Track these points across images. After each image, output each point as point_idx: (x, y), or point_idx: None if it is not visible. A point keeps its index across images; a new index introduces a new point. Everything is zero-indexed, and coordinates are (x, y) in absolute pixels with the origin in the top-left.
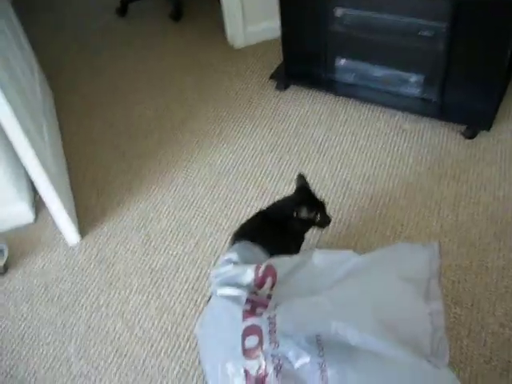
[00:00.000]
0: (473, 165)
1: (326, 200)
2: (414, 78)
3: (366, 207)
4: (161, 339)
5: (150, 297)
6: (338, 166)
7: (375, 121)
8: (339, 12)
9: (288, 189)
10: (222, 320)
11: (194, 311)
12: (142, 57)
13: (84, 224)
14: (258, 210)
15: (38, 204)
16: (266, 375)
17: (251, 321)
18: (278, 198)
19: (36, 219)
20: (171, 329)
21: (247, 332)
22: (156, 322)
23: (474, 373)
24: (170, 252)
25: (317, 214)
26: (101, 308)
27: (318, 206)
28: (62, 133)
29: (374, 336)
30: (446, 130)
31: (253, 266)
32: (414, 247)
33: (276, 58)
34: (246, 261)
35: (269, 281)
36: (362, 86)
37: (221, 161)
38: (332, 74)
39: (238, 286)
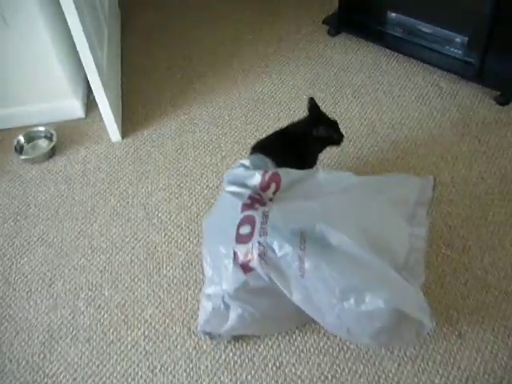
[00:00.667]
0: (497, 129)
1: (350, 138)
2: (458, 38)
3: (386, 150)
4: (174, 231)
5: (172, 195)
6: (368, 110)
7: (414, 75)
8: None
9: None
10: (225, 211)
11: (207, 212)
12: None
13: (127, 127)
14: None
15: (90, 104)
16: (251, 260)
17: (248, 212)
18: None
19: (86, 117)
20: (185, 224)
21: (243, 222)
22: (173, 216)
23: (449, 305)
24: (198, 161)
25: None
26: (127, 198)
27: (333, 124)
28: (122, 48)
29: (353, 239)
30: (480, 93)
31: (261, 171)
32: (409, 177)
33: (332, 6)
34: (256, 167)
35: (273, 186)
36: (408, 40)
37: (261, 90)
38: (382, 25)
39: (244, 185)
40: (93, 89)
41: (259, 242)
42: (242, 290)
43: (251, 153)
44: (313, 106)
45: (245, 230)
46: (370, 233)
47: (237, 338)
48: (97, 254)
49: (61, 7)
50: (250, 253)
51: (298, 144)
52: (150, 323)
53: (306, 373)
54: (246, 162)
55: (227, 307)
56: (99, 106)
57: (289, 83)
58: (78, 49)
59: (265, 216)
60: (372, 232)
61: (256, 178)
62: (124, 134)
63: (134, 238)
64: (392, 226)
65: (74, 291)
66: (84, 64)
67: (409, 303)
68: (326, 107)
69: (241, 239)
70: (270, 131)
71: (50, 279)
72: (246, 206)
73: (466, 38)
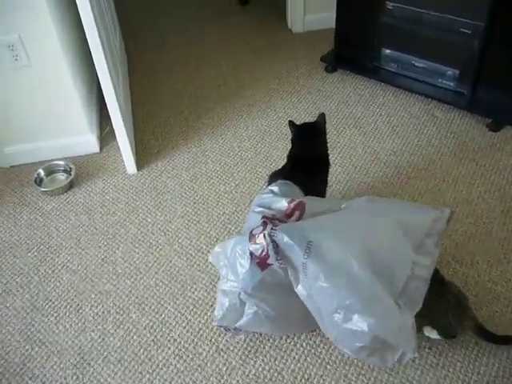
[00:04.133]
0: (492, 153)
1: (356, 165)
2: (450, 71)
3: (390, 175)
4: (195, 255)
5: (190, 222)
6: (370, 139)
7: (410, 106)
8: (391, 5)
9: None
10: (247, 225)
11: (227, 237)
12: (208, 32)
13: (142, 159)
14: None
15: (103, 139)
16: (267, 257)
17: (263, 224)
18: None
19: (100, 151)
20: (205, 248)
21: (257, 226)
22: (193, 241)
23: None
24: (213, 189)
25: None
26: (147, 225)
27: None
28: (131, 87)
29: (355, 259)
30: (473, 120)
31: (288, 199)
32: (425, 207)
33: (328, 45)
34: (284, 195)
35: (297, 214)
36: (402, 74)
37: (267, 123)
38: (377, 61)
39: (270, 209)
40: (113, 124)
41: (269, 234)
42: (258, 288)
43: (270, 180)
44: (322, 122)
45: (256, 230)
46: (373, 254)
47: (264, 354)
48: (122, 279)
49: (81, 48)
50: (265, 250)
51: (310, 168)
52: (180, 342)
53: (333, 383)
54: (275, 189)
55: (243, 304)
56: (118, 139)
57: (292, 116)
58: (102, 88)
59: (275, 225)
60: (376, 254)
61: (282, 204)
62: (139, 165)
63: (156, 262)
64: (397, 250)
65: (101, 315)
66: (107, 101)
67: (393, 333)
68: (330, 137)
69: (252, 238)
70: (280, 161)
71: (78, 304)
72: (265, 218)
73: (457, 71)
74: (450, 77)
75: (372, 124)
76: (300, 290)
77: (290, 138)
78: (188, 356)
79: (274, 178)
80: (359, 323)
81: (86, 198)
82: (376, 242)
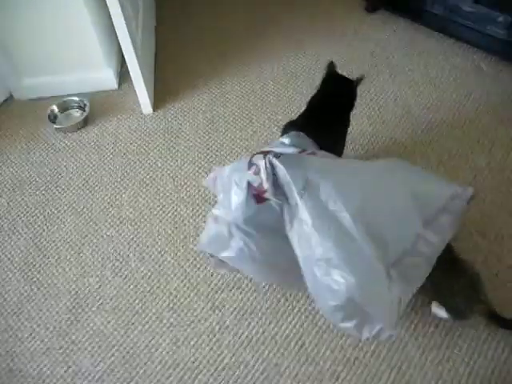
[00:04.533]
0: None
1: (384, 119)
2: (501, 18)
3: (420, 132)
4: (202, 205)
5: (201, 169)
6: (404, 90)
7: (453, 55)
8: None
9: None
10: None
11: None
12: None
13: (159, 99)
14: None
15: (123, 75)
16: (264, 191)
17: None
18: None
19: (119, 88)
20: (213, 199)
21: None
22: (202, 191)
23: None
24: (228, 135)
25: None
26: (157, 170)
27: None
28: (157, 27)
29: (351, 214)
30: None
31: (298, 149)
32: (446, 182)
33: None
34: (295, 146)
35: None
36: (448, 19)
37: (294, 65)
38: (421, 3)
39: None
40: (126, 59)
41: (270, 162)
42: (249, 222)
43: (284, 130)
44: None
45: (256, 159)
46: (371, 215)
47: (260, 316)
48: (125, 225)
49: None
50: (263, 182)
51: (339, 117)
52: (175, 296)
53: (328, 353)
54: (286, 141)
55: (231, 236)
56: (132, 76)
57: (323, 59)
58: (112, 18)
59: (277, 155)
60: (374, 215)
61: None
62: (155, 106)
63: (162, 210)
64: (400, 218)
65: (101, 261)
66: (118, 33)
67: (374, 302)
68: (361, 85)
69: (251, 167)
70: (303, 108)
71: (79, 248)
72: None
73: (510, 18)
74: (501, 24)
75: (408, 73)
76: (292, 234)
77: (317, 82)
78: (182, 311)
79: (289, 128)
80: (337, 278)
81: (98, 137)
82: (379, 203)
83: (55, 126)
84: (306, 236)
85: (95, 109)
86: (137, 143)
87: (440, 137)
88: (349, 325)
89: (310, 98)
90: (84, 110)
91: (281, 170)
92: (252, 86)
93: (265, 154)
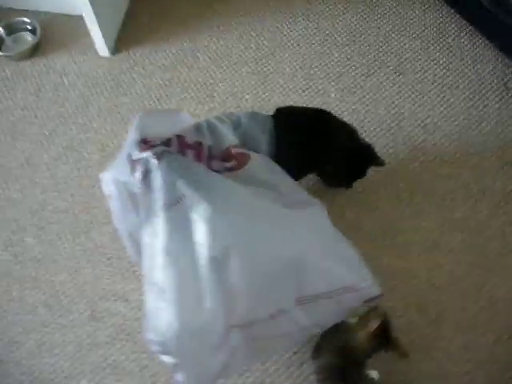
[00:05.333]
0: None
1: (367, 127)
2: None
3: (403, 155)
4: None
5: None
6: (404, 94)
7: (481, 62)
8: None
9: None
10: None
11: None
12: None
13: (122, 43)
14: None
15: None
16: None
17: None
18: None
19: (81, 17)
20: None
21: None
22: None
23: None
24: (181, 105)
25: None
26: (89, 131)
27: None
28: None
29: (210, 259)
30: None
31: (236, 142)
32: (353, 266)
33: None
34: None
35: (230, 164)
36: (492, 14)
37: (288, 32)
38: None
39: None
40: None
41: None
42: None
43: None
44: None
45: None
46: (237, 266)
47: None
48: (35, 191)
49: None
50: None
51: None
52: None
53: None
54: (240, 118)
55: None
56: (83, 11)
57: (325, 31)
58: None
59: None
60: (241, 268)
61: (226, 140)
62: (116, 49)
63: (78, 179)
64: (270, 284)
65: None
66: None
67: (188, 356)
68: (355, 76)
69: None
70: (279, 91)
71: None
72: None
73: None
74: None
75: (419, 73)
76: (143, 233)
77: (307, 59)
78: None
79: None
80: (162, 315)
81: (41, 74)
82: (255, 255)
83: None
84: (154, 251)
85: (48, 37)
86: (80, 91)
87: (423, 169)
88: (166, 359)
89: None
90: (34, 35)
91: (156, 175)
92: (229, 49)
93: (150, 146)
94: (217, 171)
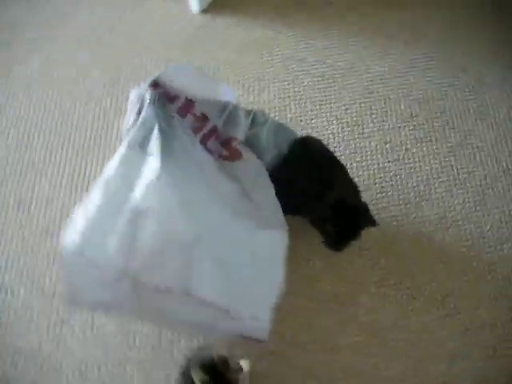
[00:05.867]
0: None
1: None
2: None
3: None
4: None
5: None
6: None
7: None
8: None
9: None
10: None
11: None
12: None
13: (217, 6)
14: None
15: None
16: None
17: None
18: None
19: None
20: None
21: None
22: None
23: None
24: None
25: None
26: None
27: None
28: None
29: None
30: None
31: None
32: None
33: None
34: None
35: (223, 153)
36: None
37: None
38: None
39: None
40: None
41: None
42: None
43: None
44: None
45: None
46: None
47: None
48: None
49: None
50: None
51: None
52: None
53: None
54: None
55: None
56: None
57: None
58: None
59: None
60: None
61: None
62: (206, 10)
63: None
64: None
65: None
66: None
67: None
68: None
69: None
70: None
71: None
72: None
73: None
74: None
75: (439, 129)
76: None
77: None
78: None
79: None
80: None
81: (128, 18)
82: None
83: None
84: (104, 172)
85: None
86: (156, 38)
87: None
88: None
89: None
90: None
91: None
92: (310, 53)
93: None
94: (208, 150)
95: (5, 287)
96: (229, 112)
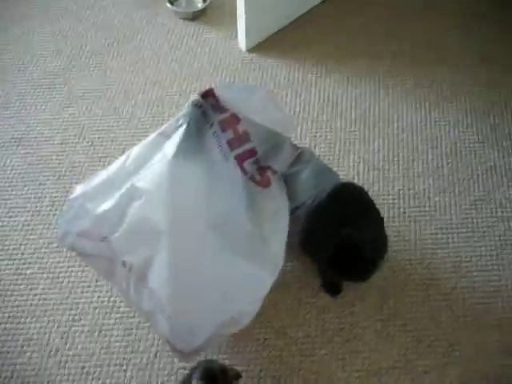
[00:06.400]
0: None
1: None
2: None
3: None
4: None
5: None
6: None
7: None
8: None
9: None
10: None
11: None
12: None
13: (264, 46)
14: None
15: None
16: None
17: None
18: None
19: None
20: None
21: None
22: None
23: None
24: None
25: None
26: None
27: None
28: None
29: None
30: None
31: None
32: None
33: None
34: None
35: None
36: None
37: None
38: None
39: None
40: None
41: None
42: None
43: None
44: None
45: None
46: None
47: None
48: None
49: None
50: None
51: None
52: None
53: None
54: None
55: None
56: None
57: None
58: None
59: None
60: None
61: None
62: (253, 49)
63: None
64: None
65: None
66: None
67: None
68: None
69: None
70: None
71: None
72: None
73: None
74: None
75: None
76: None
77: None
78: None
79: None
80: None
81: (189, 36)
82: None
83: (168, 6)
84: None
85: (216, 5)
86: (203, 66)
87: None
88: None
89: None
90: (205, 2)
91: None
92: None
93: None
94: (242, 168)
95: (26, 281)
96: (275, 142)
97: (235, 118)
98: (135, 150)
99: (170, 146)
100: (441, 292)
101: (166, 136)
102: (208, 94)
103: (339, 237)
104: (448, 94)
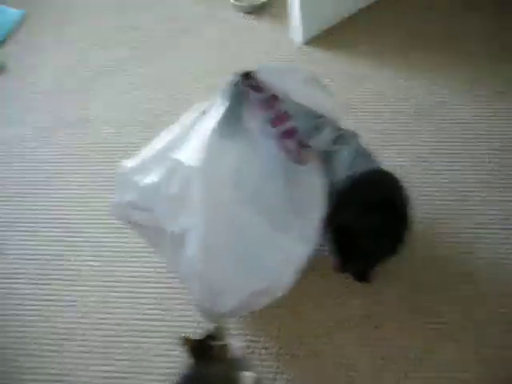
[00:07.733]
0: None
1: None
2: None
3: None
4: None
5: None
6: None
7: None
8: None
9: None
10: None
11: None
12: None
13: (321, 40)
14: None
15: None
16: None
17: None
18: None
19: None
20: None
21: None
22: None
23: None
24: None
25: None
26: None
27: None
28: None
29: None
30: None
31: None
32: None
33: None
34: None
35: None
36: None
37: None
38: None
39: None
40: None
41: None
42: None
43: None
44: None
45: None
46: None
47: None
48: None
49: None
50: None
51: None
52: None
53: None
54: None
55: None
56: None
57: None
58: None
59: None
60: None
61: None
62: (308, 43)
63: None
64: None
65: None
66: None
67: None
68: None
69: None
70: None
71: None
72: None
73: None
74: None
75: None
76: None
77: None
78: None
79: None
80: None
81: (246, 30)
82: None
83: (232, 1)
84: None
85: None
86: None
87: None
88: None
89: None
90: None
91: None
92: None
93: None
94: (284, 146)
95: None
96: (316, 122)
97: (275, 98)
98: (177, 127)
99: (211, 123)
100: (475, 288)
101: (206, 113)
102: (248, 75)
103: (338, 220)
104: (504, 89)
